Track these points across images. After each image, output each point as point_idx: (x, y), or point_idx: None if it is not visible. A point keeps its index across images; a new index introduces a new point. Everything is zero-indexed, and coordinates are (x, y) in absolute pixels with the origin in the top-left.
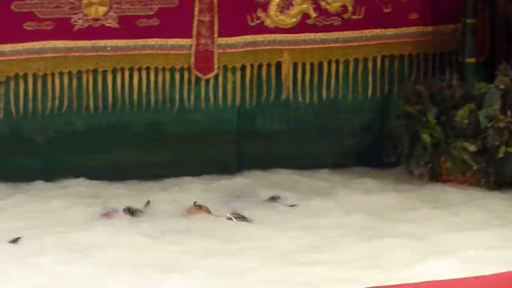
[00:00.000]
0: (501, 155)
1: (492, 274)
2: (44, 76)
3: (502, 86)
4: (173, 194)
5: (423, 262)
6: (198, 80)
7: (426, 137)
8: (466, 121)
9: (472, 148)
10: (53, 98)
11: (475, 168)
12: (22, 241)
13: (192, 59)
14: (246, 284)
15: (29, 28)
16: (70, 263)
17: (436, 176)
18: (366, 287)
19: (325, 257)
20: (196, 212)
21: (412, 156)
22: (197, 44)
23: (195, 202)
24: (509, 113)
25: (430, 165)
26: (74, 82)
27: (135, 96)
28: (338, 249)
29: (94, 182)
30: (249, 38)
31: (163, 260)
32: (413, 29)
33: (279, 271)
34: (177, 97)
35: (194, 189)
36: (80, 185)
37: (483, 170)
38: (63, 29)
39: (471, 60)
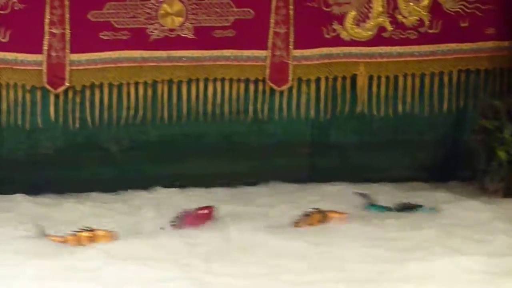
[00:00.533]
0: None
1: None
2: (120, 85)
3: None
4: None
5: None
6: (272, 91)
7: (502, 154)
8: None
9: None
10: (128, 108)
11: None
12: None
13: (267, 70)
14: None
15: (105, 38)
16: None
17: (510, 193)
18: None
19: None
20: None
21: (488, 171)
22: (272, 56)
23: (315, 208)
24: None
25: (504, 181)
26: (149, 92)
27: (209, 107)
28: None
29: (170, 190)
30: (324, 50)
31: None
32: (489, 43)
33: None
34: (251, 108)
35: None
36: (159, 192)
37: None
38: (139, 39)
39: None
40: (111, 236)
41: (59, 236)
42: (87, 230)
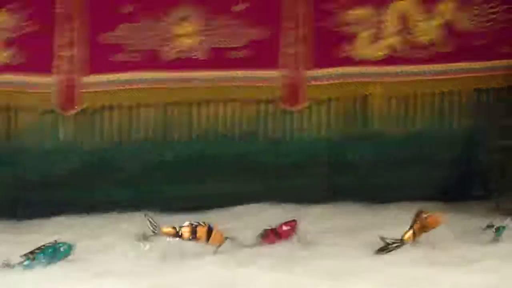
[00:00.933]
0: None
1: None
2: (132, 107)
3: None
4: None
5: None
6: (287, 111)
7: None
8: None
9: None
10: (143, 129)
11: None
12: None
13: (280, 91)
14: None
15: (119, 59)
16: None
17: None
18: None
19: None
20: None
21: (504, 191)
22: (285, 77)
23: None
24: None
25: None
26: (164, 113)
27: (224, 128)
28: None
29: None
30: (337, 70)
31: None
32: (504, 62)
33: None
34: (266, 128)
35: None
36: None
37: None
38: (152, 60)
39: None
40: None
41: None
42: None
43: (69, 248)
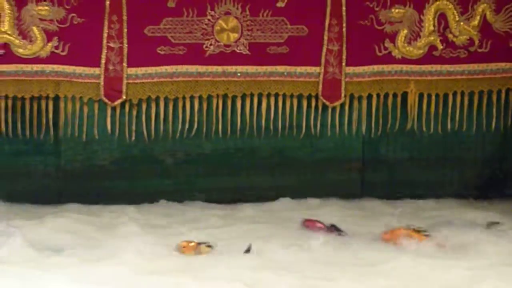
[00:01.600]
0: None
1: None
2: (176, 99)
3: None
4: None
5: None
6: (324, 107)
7: None
8: None
9: None
10: (184, 121)
11: None
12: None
13: (320, 87)
14: None
15: (162, 53)
16: None
17: None
18: None
19: None
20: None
21: None
22: (325, 73)
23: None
24: None
25: None
26: (204, 106)
27: (263, 122)
28: None
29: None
30: (376, 68)
31: None
32: None
33: None
34: (303, 123)
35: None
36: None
37: None
38: (195, 54)
39: None
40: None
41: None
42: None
43: None
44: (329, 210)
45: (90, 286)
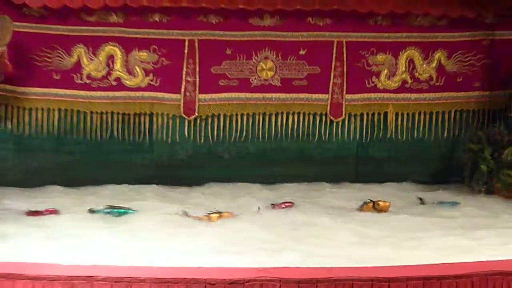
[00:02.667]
0: None
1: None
2: (231, 116)
3: None
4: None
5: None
6: (331, 121)
7: (483, 167)
8: (510, 157)
9: None
10: (236, 130)
11: None
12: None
13: (328, 108)
14: None
15: (222, 84)
16: None
17: (490, 192)
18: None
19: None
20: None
21: (473, 178)
22: (332, 98)
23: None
24: None
25: (485, 185)
26: (250, 120)
27: (290, 131)
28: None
29: (261, 185)
30: (366, 95)
31: None
32: (476, 93)
33: None
34: (316, 132)
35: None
36: (252, 187)
37: None
38: (244, 85)
39: None
40: (232, 215)
41: (196, 216)
42: (214, 213)
43: (131, 212)
44: (333, 190)
45: None
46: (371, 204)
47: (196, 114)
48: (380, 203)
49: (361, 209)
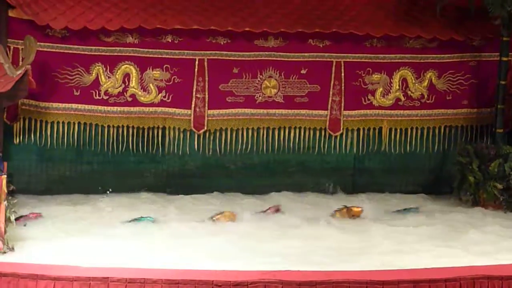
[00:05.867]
0: None
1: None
2: (237, 130)
3: None
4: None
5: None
6: (330, 136)
7: (471, 179)
8: (496, 169)
9: (500, 186)
10: (242, 143)
11: (501, 199)
12: None
13: (327, 123)
14: None
15: (229, 101)
16: None
17: (476, 203)
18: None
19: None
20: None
21: (461, 189)
22: (331, 114)
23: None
24: None
25: (472, 196)
26: (255, 134)
27: (291, 144)
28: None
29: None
30: (362, 111)
31: None
32: (464, 110)
33: None
34: (316, 145)
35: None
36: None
37: (506, 200)
38: (249, 102)
39: (500, 130)
40: (233, 215)
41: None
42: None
43: (151, 220)
44: (330, 198)
45: None
46: (345, 210)
47: (205, 128)
48: (354, 208)
49: (334, 215)
